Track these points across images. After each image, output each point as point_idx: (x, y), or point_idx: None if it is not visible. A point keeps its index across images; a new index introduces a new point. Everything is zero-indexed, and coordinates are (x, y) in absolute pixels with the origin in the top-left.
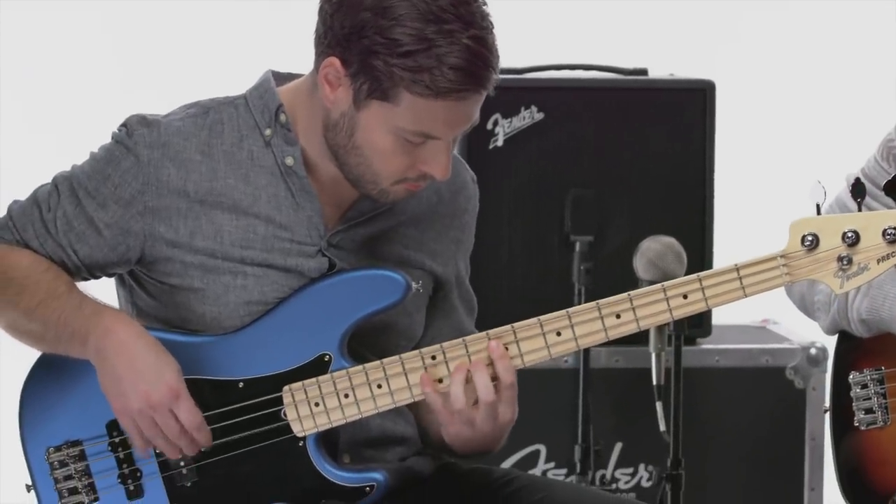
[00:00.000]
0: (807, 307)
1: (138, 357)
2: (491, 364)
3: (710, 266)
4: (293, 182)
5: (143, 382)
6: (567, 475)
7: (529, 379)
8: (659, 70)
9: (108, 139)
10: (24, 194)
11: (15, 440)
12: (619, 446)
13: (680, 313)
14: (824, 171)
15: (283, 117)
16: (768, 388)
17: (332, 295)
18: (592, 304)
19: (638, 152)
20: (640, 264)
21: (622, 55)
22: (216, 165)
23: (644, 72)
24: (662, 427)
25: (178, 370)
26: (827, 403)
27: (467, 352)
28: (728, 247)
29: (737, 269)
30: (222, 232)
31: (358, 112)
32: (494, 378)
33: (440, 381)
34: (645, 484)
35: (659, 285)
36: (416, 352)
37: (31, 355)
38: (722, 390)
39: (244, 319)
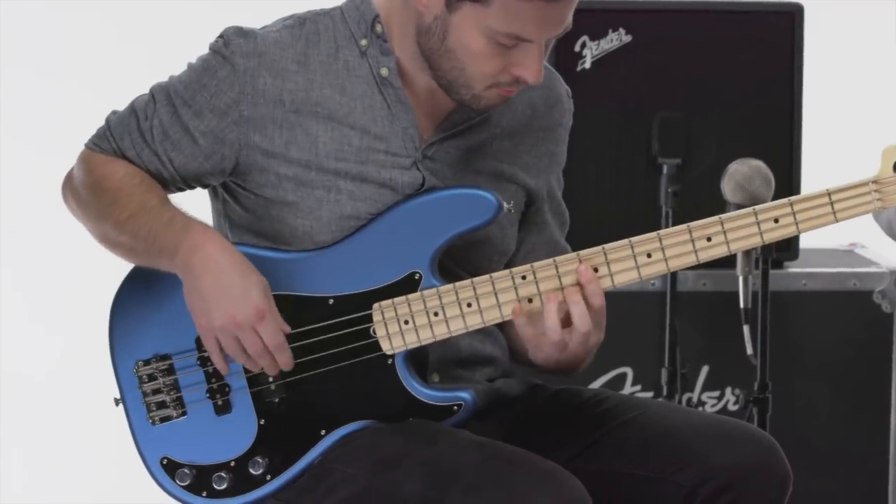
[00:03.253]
0: (894, 232)
1: (225, 274)
2: (582, 297)
3: (797, 190)
4: (388, 93)
5: (229, 300)
6: (654, 398)
7: (616, 302)
8: None
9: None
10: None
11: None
12: (705, 369)
13: (770, 237)
14: None
15: (378, 28)
16: (855, 311)
17: (423, 213)
18: (683, 226)
19: (726, 75)
20: (727, 187)
21: None
22: (312, 76)
23: None
24: (749, 350)
25: (264, 289)
26: None
27: (557, 272)
28: (816, 170)
29: (828, 193)
30: (317, 143)
31: (450, 14)
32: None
33: (530, 300)
34: (731, 407)
35: (750, 209)
36: (506, 271)
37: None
38: (809, 314)
39: (335, 235)
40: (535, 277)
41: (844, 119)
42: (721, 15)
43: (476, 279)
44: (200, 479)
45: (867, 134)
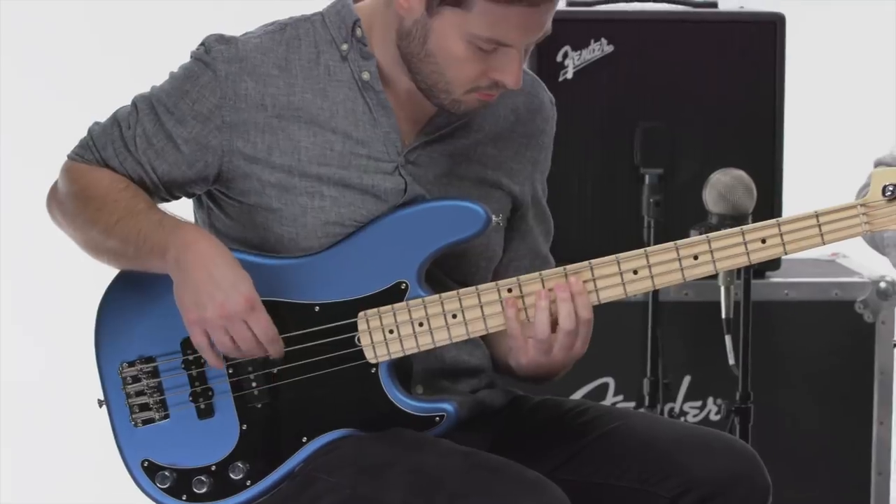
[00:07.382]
0: (877, 243)
1: (216, 267)
2: (570, 298)
3: (780, 199)
4: (370, 97)
5: (220, 292)
6: (635, 408)
7: (599, 312)
8: (729, 3)
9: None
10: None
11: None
12: (687, 379)
13: (757, 257)
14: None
15: (359, 32)
16: (837, 321)
17: (411, 224)
18: (670, 244)
19: (708, 85)
20: (709, 197)
21: None
22: (293, 80)
23: (714, 4)
24: (731, 360)
25: (252, 283)
26: None
27: (543, 286)
28: (798, 180)
29: (816, 215)
30: (299, 148)
31: (431, 19)
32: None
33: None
34: (713, 417)
35: (738, 229)
36: (492, 283)
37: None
38: (791, 324)
39: (322, 241)
40: (521, 291)
41: (826, 129)
42: (703, 25)
43: (462, 291)
44: (181, 482)
45: (848, 143)
